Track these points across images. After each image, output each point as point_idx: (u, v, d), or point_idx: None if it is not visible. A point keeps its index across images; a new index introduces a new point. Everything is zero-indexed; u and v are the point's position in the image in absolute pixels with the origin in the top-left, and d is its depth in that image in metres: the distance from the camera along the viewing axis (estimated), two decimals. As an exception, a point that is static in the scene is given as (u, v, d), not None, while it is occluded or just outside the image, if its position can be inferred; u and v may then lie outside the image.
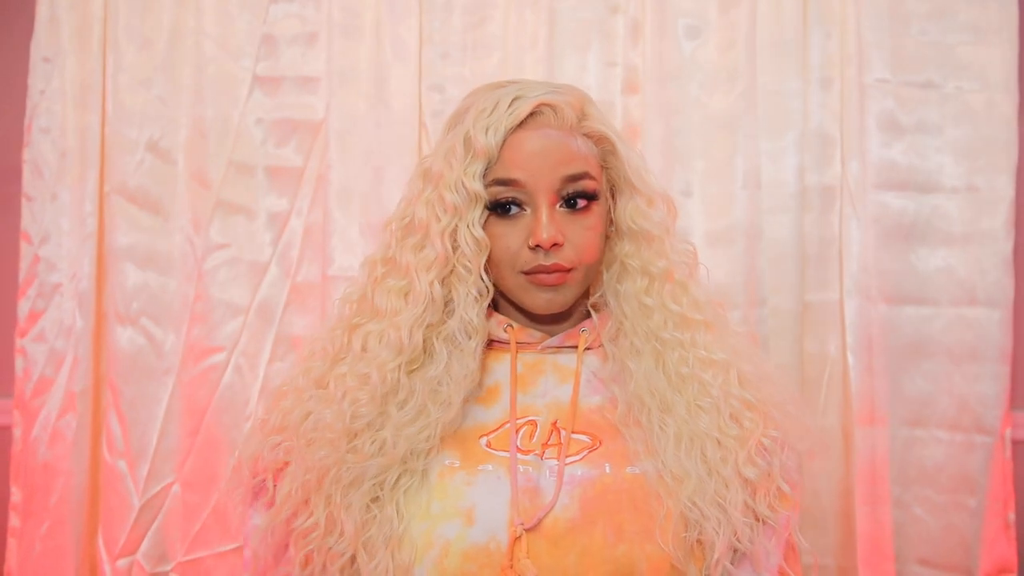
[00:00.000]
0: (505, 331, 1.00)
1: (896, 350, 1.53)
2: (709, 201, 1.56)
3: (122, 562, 1.59)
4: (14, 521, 1.62)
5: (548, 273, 0.93)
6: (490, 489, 0.91)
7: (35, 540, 1.60)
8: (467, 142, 0.94)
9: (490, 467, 0.92)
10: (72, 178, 1.60)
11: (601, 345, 1.00)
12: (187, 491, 1.60)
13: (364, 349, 0.94)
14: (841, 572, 1.56)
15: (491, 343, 1.01)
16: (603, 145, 0.98)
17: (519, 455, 0.93)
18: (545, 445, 0.93)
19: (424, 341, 0.94)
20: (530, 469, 0.92)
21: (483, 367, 0.99)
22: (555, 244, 0.92)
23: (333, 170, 1.58)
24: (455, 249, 0.94)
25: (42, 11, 1.61)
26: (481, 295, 0.96)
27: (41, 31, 1.61)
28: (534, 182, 0.93)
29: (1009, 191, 1.50)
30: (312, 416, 0.93)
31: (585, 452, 0.93)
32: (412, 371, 0.95)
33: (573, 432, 0.94)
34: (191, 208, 1.61)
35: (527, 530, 0.87)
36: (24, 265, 1.62)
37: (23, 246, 1.62)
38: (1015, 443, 1.52)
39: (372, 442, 0.91)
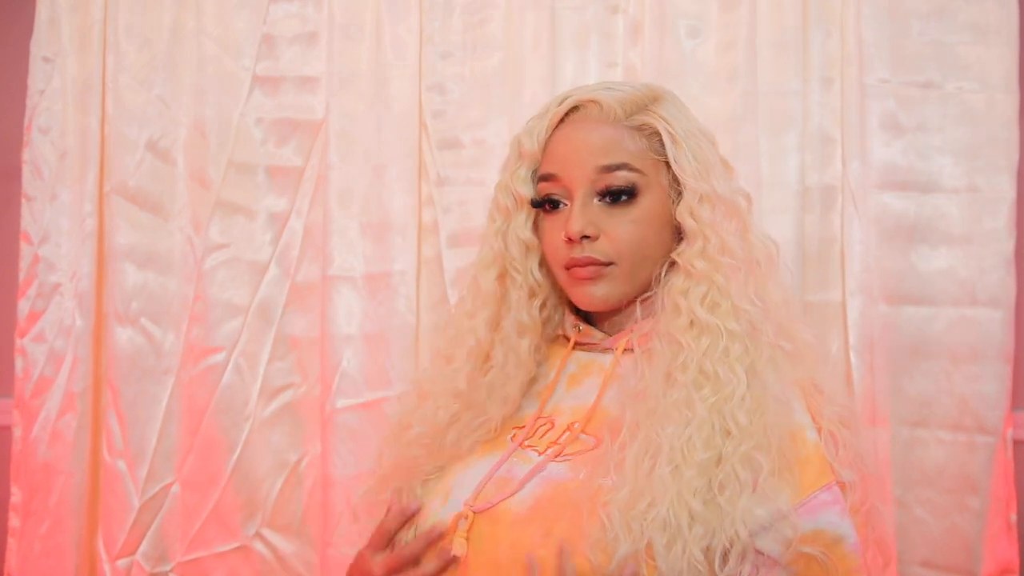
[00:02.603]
0: (571, 330, 1.02)
1: (897, 350, 1.52)
2: (709, 201, 1.55)
3: (121, 562, 1.59)
4: (14, 521, 1.61)
5: (582, 267, 0.93)
6: (474, 474, 0.95)
7: (35, 540, 1.60)
8: (517, 147, 0.99)
9: (491, 456, 0.96)
10: (72, 178, 1.61)
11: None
12: (186, 491, 1.60)
13: (449, 356, 1.03)
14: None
15: (568, 340, 1.03)
16: (658, 139, 0.94)
17: (520, 449, 0.95)
18: (551, 443, 0.95)
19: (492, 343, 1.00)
20: (519, 463, 0.93)
21: (560, 363, 1.02)
22: (585, 236, 0.92)
23: (333, 170, 1.57)
24: (507, 251, 0.99)
25: (42, 11, 1.61)
26: (535, 294, 1.00)
27: (41, 31, 1.61)
28: (569, 175, 0.94)
29: (1010, 191, 1.49)
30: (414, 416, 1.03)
31: (579, 454, 0.92)
32: (482, 371, 1.01)
33: (583, 433, 0.94)
34: (191, 208, 1.61)
35: (477, 513, 0.90)
36: (24, 265, 1.62)
37: (23, 246, 1.62)
38: (1016, 443, 1.51)
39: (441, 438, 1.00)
